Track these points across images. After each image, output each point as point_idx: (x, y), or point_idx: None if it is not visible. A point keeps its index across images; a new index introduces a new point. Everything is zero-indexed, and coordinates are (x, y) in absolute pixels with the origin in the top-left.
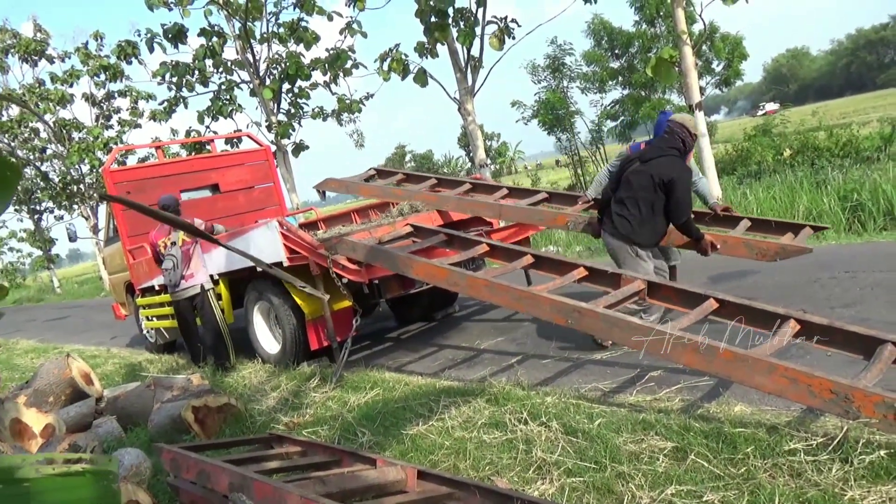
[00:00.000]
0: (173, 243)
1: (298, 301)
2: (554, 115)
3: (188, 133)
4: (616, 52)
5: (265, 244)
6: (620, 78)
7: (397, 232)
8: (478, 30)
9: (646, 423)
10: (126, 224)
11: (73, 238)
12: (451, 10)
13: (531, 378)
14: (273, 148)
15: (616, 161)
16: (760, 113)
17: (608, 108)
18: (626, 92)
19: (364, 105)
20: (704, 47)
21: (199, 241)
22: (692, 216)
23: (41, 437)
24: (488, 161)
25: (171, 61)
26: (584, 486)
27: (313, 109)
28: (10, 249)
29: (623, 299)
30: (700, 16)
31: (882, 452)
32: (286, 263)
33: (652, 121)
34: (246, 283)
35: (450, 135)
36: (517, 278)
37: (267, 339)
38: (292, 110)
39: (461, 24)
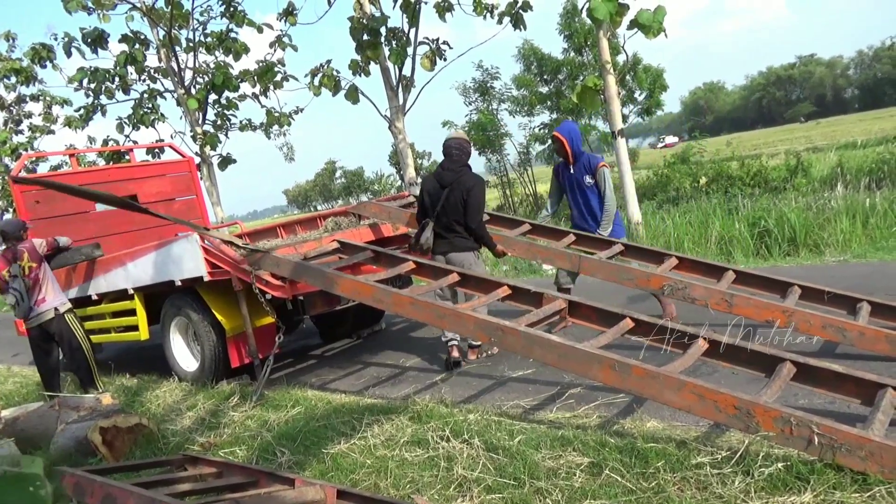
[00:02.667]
0: (14, 276)
1: (219, 317)
2: (485, 135)
3: (106, 142)
4: (545, 77)
5: (186, 258)
6: (549, 102)
7: (324, 248)
8: (410, 50)
9: (564, 440)
10: (36, 233)
11: None
12: (383, 30)
13: (455, 395)
14: (198, 160)
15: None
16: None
17: (536, 130)
18: (554, 116)
19: (293, 119)
20: (628, 77)
21: (45, 262)
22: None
23: None
24: (418, 179)
25: (90, 67)
26: (503, 502)
27: (241, 121)
28: None
29: (545, 317)
30: (623, 47)
31: (780, 465)
32: (207, 278)
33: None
34: (163, 298)
35: (381, 152)
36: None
37: (184, 357)
38: (219, 121)
39: (393, 43)
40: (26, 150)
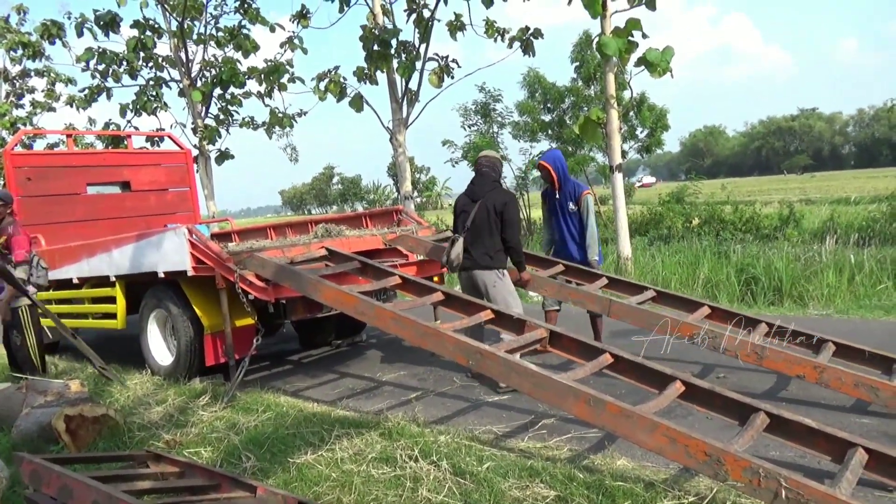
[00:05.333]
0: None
1: (199, 313)
2: None
3: (107, 125)
4: (548, 105)
5: (171, 250)
6: (550, 131)
7: (311, 254)
8: (418, 64)
9: (533, 470)
10: (22, 211)
11: None
12: (394, 42)
13: (428, 415)
14: (195, 152)
15: None
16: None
17: (536, 157)
18: (554, 144)
19: (296, 121)
20: (632, 114)
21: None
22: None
23: None
24: (414, 194)
25: (99, 48)
26: None
27: (243, 118)
28: None
29: (525, 345)
30: (629, 83)
31: None
32: (191, 273)
33: (576, 175)
34: (145, 288)
35: (380, 162)
36: (427, 314)
37: (160, 350)
38: (221, 116)
39: (403, 56)
40: (25, 124)
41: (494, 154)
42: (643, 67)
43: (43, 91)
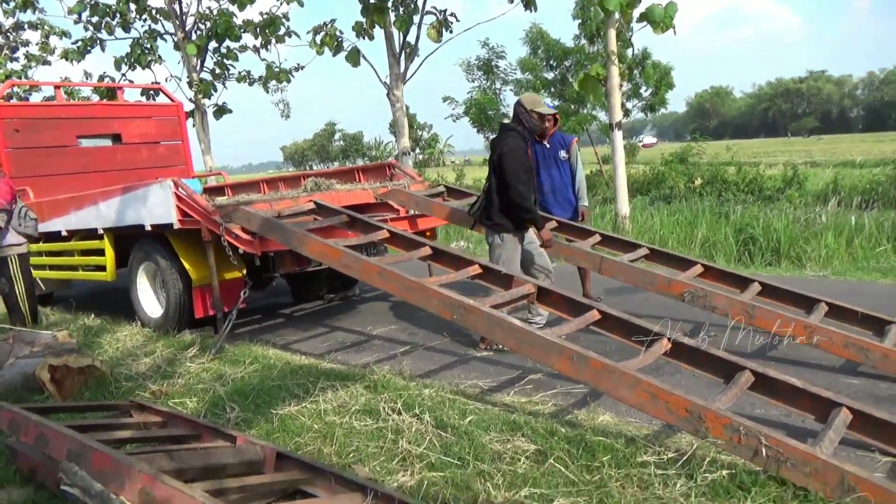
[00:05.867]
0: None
1: (187, 266)
2: (484, 114)
3: (102, 78)
4: (551, 63)
5: (157, 203)
6: (553, 89)
7: (299, 207)
8: (416, 18)
9: (514, 424)
10: (9, 163)
11: None
12: None
13: (415, 369)
14: (192, 106)
15: None
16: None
17: None
18: (556, 103)
19: (293, 76)
20: (635, 72)
21: None
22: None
23: None
24: (416, 150)
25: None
26: (444, 481)
27: (240, 73)
28: None
29: (511, 300)
30: (630, 39)
31: (724, 472)
32: (177, 226)
33: (577, 133)
34: (133, 241)
35: (381, 118)
36: (421, 270)
37: (150, 303)
38: (217, 70)
39: (400, 9)
40: (20, 77)
41: (524, 96)
42: (646, 23)
43: (37, 44)
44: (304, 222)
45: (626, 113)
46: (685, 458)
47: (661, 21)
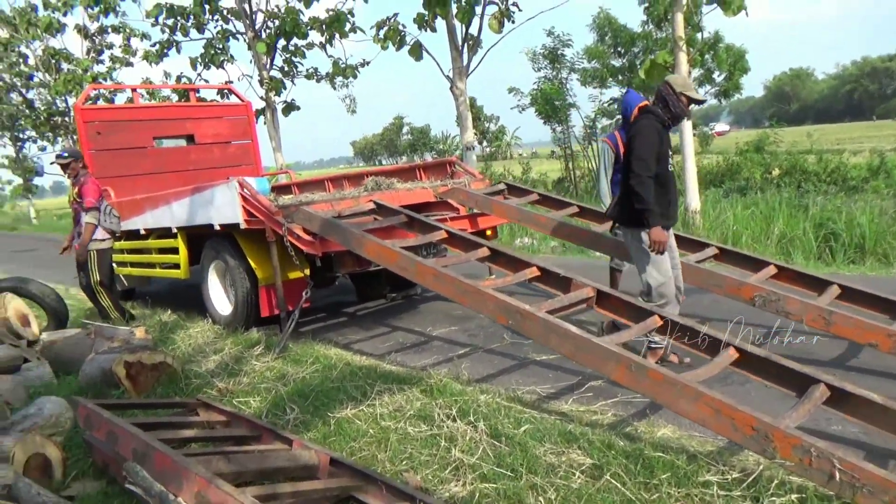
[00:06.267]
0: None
1: (253, 265)
2: (550, 104)
3: (179, 79)
4: (619, 49)
5: (224, 203)
6: (621, 76)
7: (359, 207)
8: (478, 9)
9: (570, 436)
10: (92, 164)
11: (39, 172)
12: None
13: (473, 372)
14: (262, 104)
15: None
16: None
17: (605, 104)
18: (624, 90)
19: (359, 71)
20: (707, 56)
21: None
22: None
23: None
24: (476, 144)
25: (167, 2)
26: (496, 493)
27: (307, 70)
28: None
29: (569, 305)
30: (699, 23)
31: (793, 496)
32: (243, 226)
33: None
34: (204, 240)
35: (447, 112)
36: (483, 271)
37: (220, 300)
38: (286, 68)
39: (462, 0)
40: (105, 79)
41: (673, 77)
42: (715, 5)
43: (120, 47)
44: (364, 222)
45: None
46: (751, 479)
47: (731, 1)
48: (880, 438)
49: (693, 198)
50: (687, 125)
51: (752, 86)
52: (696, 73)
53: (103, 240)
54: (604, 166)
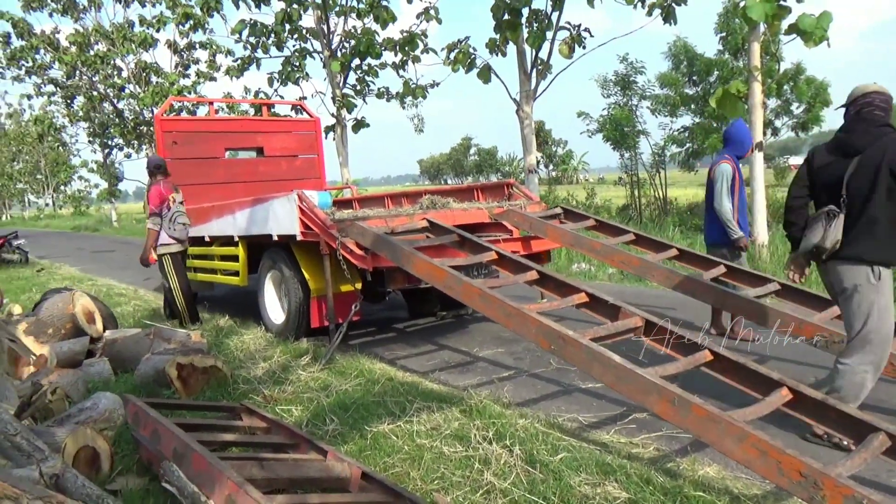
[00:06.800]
0: (181, 202)
1: (307, 276)
2: (619, 130)
3: (256, 94)
4: (694, 78)
5: (283, 215)
6: (693, 105)
7: (413, 224)
8: (549, 34)
9: (608, 467)
10: (170, 171)
11: (120, 178)
12: (525, 10)
13: (515, 396)
14: (333, 121)
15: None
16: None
17: (676, 132)
18: (697, 120)
19: (428, 92)
20: (786, 87)
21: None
22: None
23: (34, 366)
24: (539, 167)
25: (250, 20)
26: None
27: (379, 89)
28: (80, 178)
29: (615, 333)
30: (776, 53)
31: None
32: (299, 237)
33: (717, 151)
34: (263, 249)
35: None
36: (537, 295)
37: (274, 309)
38: (358, 86)
39: (534, 25)
40: (190, 93)
41: (886, 90)
42: (795, 35)
43: (206, 62)
44: (416, 240)
45: (775, 132)
46: None
47: (812, 32)
48: None
49: (762, 231)
50: (758, 156)
51: (838, 119)
52: (773, 103)
53: (169, 244)
54: (727, 189)
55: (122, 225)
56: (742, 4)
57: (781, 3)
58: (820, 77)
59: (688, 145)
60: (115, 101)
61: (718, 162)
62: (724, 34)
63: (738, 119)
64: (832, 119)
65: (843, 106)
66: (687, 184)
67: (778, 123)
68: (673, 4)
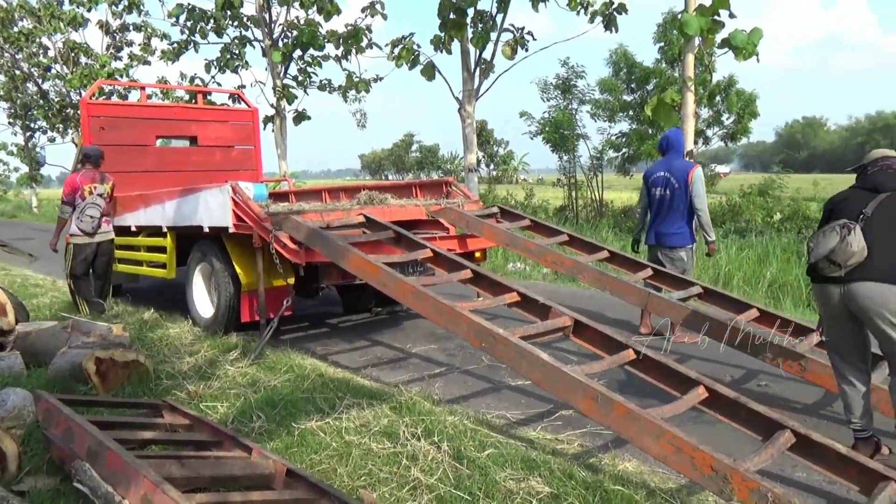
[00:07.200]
0: (100, 194)
1: (238, 270)
2: (559, 133)
3: (192, 80)
4: (632, 85)
5: (216, 206)
6: (631, 112)
7: (349, 220)
8: (493, 35)
9: (533, 463)
10: None
11: (41, 162)
12: (471, 11)
13: (445, 392)
14: (272, 111)
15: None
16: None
17: (613, 137)
18: (633, 126)
19: (372, 86)
20: (717, 98)
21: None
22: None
23: None
24: (479, 167)
25: (188, 4)
26: None
27: (321, 81)
28: None
29: (545, 332)
30: (709, 66)
31: None
32: (231, 230)
33: (652, 158)
34: (193, 241)
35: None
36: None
37: (203, 302)
38: (300, 77)
39: (479, 26)
40: (122, 76)
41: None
42: (727, 49)
43: (140, 45)
44: (352, 235)
45: (706, 141)
46: None
47: (743, 48)
48: (842, 489)
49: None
50: None
51: (765, 131)
52: (705, 113)
53: (77, 235)
54: (705, 193)
55: (43, 211)
56: (679, 17)
57: (716, 18)
58: (749, 89)
59: (624, 150)
60: (40, 81)
61: (693, 167)
62: (662, 44)
63: (677, 128)
64: (759, 130)
65: (859, 166)
66: (622, 187)
67: (709, 133)
68: (615, 13)
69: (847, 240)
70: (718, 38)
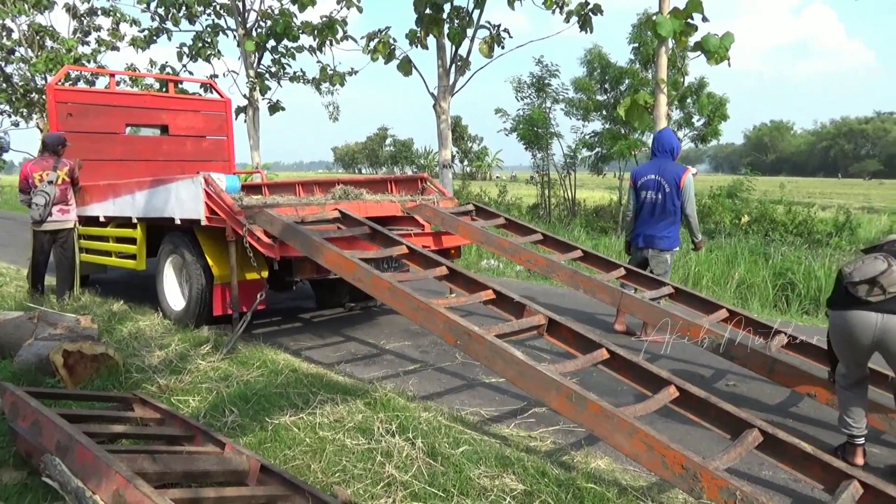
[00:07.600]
0: (50, 182)
1: (210, 262)
2: (533, 131)
3: (163, 68)
4: (606, 85)
5: (187, 198)
6: (605, 111)
7: (324, 214)
8: (470, 31)
9: (506, 460)
10: None
11: (5, 148)
12: (447, 6)
13: (419, 389)
14: (245, 102)
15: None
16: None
17: (587, 137)
18: (607, 126)
19: (346, 79)
20: (689, 101)
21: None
22: None
23: None
24: (453, 163)
25: None
26: None
27: (295, 72)
28: None
29: (519, 330)
30: (682, 69)
31: None
32: (204, 222)
33: (624, 158)
34: (163, 233)
35: (432, 128)
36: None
37: (174, 295)
38: (273, 68)
39: (455, 22)
40: (89, 62)
41: None
42: (700, 53)
43: (108, 30)
44: (327, 230)
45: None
46: None
47: (715, 51)
48: (807, 486)
49: None
50: None
51: (734, 134)
52: (676, 114)
53: (33, 222)
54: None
55: (6, 199)
56: (654, 18)
57: (689, 21)
58: (721, 93)
59: (597, 149)
60: (3, 64)
61: (684, 171)
62: (636, 45)
63: (668, 128)
64: (728, 133)
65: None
66: (594, 186)
67: (680, 134)
68: (590, 14)
69: (893, 268)
70: (691, 41)
